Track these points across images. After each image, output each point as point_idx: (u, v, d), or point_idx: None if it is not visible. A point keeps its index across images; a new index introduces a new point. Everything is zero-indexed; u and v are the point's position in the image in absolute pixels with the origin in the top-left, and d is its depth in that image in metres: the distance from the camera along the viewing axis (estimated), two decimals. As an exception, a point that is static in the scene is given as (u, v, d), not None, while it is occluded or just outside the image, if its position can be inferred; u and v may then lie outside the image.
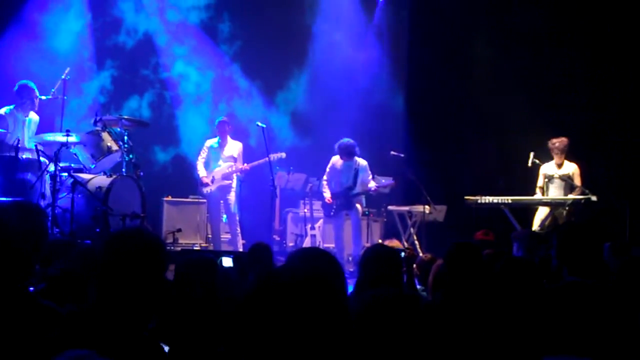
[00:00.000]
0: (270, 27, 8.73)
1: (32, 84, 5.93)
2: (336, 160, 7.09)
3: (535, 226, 6.66)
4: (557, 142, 6.65)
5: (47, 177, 5.69)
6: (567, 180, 6.64)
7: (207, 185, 6.87)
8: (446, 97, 8.64)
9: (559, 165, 6.72)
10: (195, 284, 2.51)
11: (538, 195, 6.76)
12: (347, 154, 6.90)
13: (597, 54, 7.87)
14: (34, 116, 5.95)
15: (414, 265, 3.97)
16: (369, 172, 7.05)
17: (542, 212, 6.72)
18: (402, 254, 3.26)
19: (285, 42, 8.78)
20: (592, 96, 7.93)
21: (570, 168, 6.70)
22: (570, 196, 6.56)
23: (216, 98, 8.83)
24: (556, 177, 6.69)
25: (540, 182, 6.80)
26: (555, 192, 6.71)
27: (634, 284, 2.71)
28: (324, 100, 8.98)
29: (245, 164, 6.92)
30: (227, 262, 4.02)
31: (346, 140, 6.97)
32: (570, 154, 6.75)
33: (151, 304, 1.65)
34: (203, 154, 7.01)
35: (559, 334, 1.84)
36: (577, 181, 6.63)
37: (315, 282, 1.33)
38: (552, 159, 6.76)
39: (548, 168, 6.77)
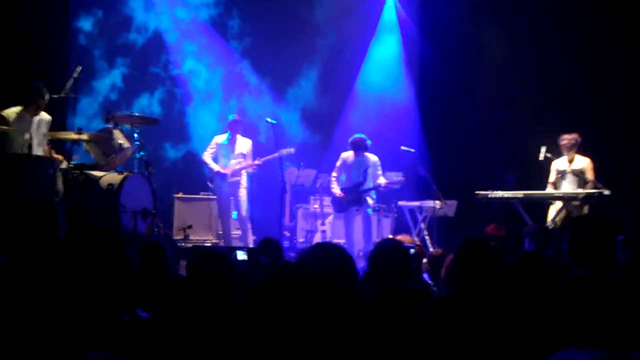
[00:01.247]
0: (279, 23, 8.73)
1: (43, 89, 5.86)
2: (347, 155, 7.09)
3: (549, 221, 6.60)
4: (565, 140, 6.56)
5: (59, 174, 5.75)
6: (579, 175, 6.56)
7: (225, 175, 6.82)
8: (457, 92, 8.58)
9: (571, 161, 6.64)
10: (210, 278, 2.52)
11: (549, 191, 6.69)
12: (359, 148, 6.92)
13: (609, 47, 7.78)
14: (44, 116, 5.98)
15: (424, 261, 3.96)
16: (380, 168, 7.04)
17: (556, 208, 6.65)
18: (412, 250, 3.24)
19: (295, 38, 8.77)
20: (604, 89, 7.84)
21: (583, 162, 6.62)
22: (582, 190, 6.49)
23: (226, 94, 8.86)
24: (568, 172, 6.62)
25: (552, 177, 6.72)
26: (568, 187, 6.64)
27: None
28: (334, 96, 8.97)
29: (258, 159, 6.89)
30: (241, 256, 4.06)
31: (358, 135, 6.99)
32: (582, 148, 6.67)
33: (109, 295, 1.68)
34: (210, 149, 6.97)
35: (568, 328, 1.83)
36: (590, 175, 6.55)
37: (328, 280, 1.33)
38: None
39: (560, 163, 6.70)
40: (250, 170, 6.97)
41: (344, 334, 1.31)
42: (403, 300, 2.14)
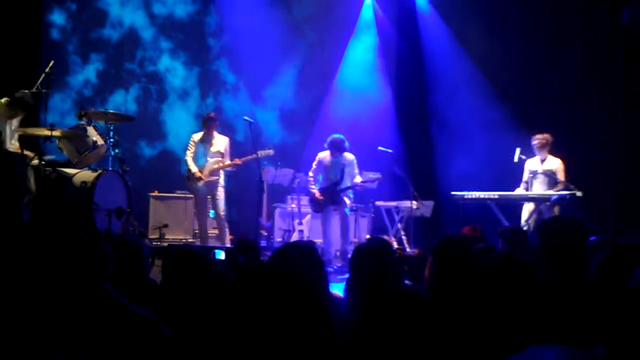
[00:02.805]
0: (257, 21, 8.68)
1: (29, 98, 5.74)
2: (324, 156, 7.08)
3: (523, 222, 6.71)
4: (536, 140, 6.69)
5: (31, 171, 5.62)
6: (550, 176, 6.69)
7: (201, 179, 6.75)
8: (434, 93, 8.66)
9: (543, 161, 6.77)
10: (187, 276, 2.48)
11: (522, 190, 6.80)
12: (337, 149, 6.92)
13: (584, 50, 7.93)
14: (18, 111, 5.86)
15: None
16: (356, 167, 7.06)
17: (528, 208, 6.76)
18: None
19: (273, 36, 8.74)
20: (576, 90, 7.99)
21: (554, 163, 6.74)
22: (551, 191, 6.61)
23: (203, 92, 8.78)
24: (540, 172, 6.74)
25: (525, 176, 6.85)
26: (538, 187, 6.75)
27: (614, 278, 2.73)
28: (312, 95, 8.96)
29: (237, 159, 6.82)
30: (220, 255, 4.03)
31: (336, 135, 6.99)
32: (555, 149, 6.79)
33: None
34: (191, 149, 6.90)
35: (539, 326, 1.86)
36: (561, 176, 6.68)
37: (288, 280, 1.34)
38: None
39: (532, 163, 6.81)
40: (229, 169, 6.90)
41: (307, 337, 1.32)
42: (399, 302, 2.13)
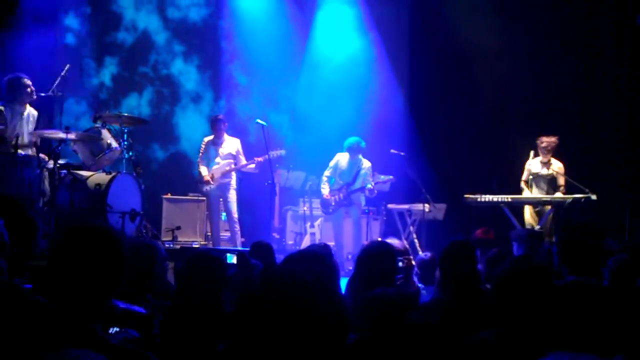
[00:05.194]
0: (270, 23, 8.72)
1: (20, 76, 5.74)
2: (342, 157, 7.10)
3: (527, 223, 6.68)
4: (545, 142, 6.64)
5: (46, 174, 5.67)
6: (552, 179, 6.67)
7: (209, 183, 6.78)
8: (447, 95, 8.62)
9: (545, 164, 6.72)
10: (202, 281, 2.48)
11: (526, 192, 6.76)
12: (353, 150, 6.96)
13: (592, 51, 7.87)
14: (32, 111, 5.90)
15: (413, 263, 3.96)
16: (370, 174, 7.06)
17: (529, 208, 6.72)
18: (400, 263, 3.24)
19: (285, 39, 8.76)
20: (590, 94, 7.93)
21: (556, 167, 6.70)
22: (558, 194, 6.57)
23: (216, 95, 8.82)
24: (541, 175, 6.71)
25: (525, 176, 6.81)
26: (539, 190, 6.72)
27: (629, 282, 2.70)
28: (324, 97, 8.97)
29: (259, 158, 6.77)
30: (231, 259, 4.04)
31: (354, 138, 7.04)
32: (561, 152, 6.74)
33: None
34: (202, 153, 6.94)
35: (558, 333, 1.84)
36: (562, 180, 6.64)
37: (304, 291, 1.34)
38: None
39: (534, 165, 6.78)
40: (247, 169, 6.90)
41: (320, 341, 1.32)
42: (386, 306, 2.13)
